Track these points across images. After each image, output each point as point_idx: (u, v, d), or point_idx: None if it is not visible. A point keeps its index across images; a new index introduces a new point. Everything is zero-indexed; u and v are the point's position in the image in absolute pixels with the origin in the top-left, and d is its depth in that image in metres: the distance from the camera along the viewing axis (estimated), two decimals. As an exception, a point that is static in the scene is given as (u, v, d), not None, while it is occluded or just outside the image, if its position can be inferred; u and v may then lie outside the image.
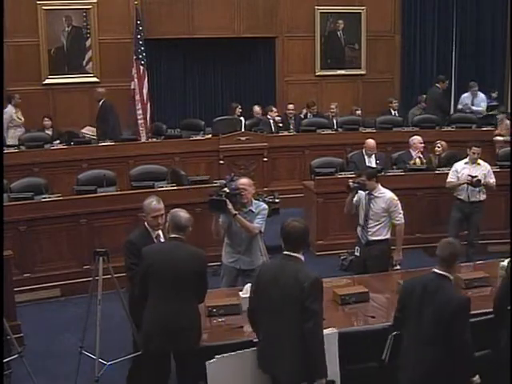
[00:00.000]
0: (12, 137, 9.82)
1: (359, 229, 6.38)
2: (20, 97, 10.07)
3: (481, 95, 11.54)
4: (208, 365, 4.02)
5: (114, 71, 11.02)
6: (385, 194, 6.25)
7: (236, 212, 5.54)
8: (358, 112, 11.41)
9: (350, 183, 6.40)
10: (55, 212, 7.05)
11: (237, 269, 5.73)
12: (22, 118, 10.13)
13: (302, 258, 4.00)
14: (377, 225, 6.24)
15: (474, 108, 11.40)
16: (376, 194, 6.25)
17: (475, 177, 7.29)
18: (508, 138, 9.38)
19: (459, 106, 11.58)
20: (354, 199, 6.41)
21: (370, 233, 6.25)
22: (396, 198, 6.25)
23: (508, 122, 9.78)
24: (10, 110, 9.97)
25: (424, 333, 3.95)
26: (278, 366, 3.92)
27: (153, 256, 4.34)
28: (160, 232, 4.87)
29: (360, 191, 6.33)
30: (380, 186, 6.31)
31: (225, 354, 4.06)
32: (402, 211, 6.25)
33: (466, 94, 11.62)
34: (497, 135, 9.63)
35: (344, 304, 5.07)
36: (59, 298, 6.95)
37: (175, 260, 4.28)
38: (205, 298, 4.52)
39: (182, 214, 4.45)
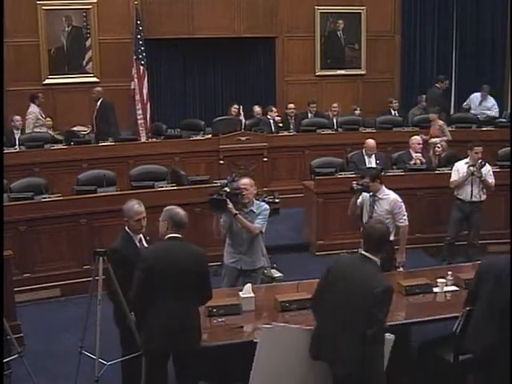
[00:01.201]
0: None
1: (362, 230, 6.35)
2: (42, 96, 10.15)
3: (491, 99, 11.46)
4: (263, 329, 4.09)
5: (113, 71, 11.02)
6: (389, 196, 6.23)
7: (237, 212, 5.54)
8: (357, 112, 11.41)
9: (354, 185, 6.39)
10: (55, 212, 7.05)
11: (238, 269, 5.73)
12: (45, 117, 10.19)
13: (378, 261, 4.02)
14: None
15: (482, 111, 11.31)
16: (380, 196, 6.24)
17: (474, 165, 7.26)
18: (445, 138, 9.30)
19: (465, 106, 11.49)
20: (358, 201, 6.40)
21: None
22: (400, 199, 6.24)
23: (441, 122, 9.61)
24: (35, 110, 10.02)
25: (496, 309, 4.12)
26: (334, 354, 3.96)
27: (154, 257, 4.31)
28: (141, 236, 4.81)
29: (364, 193, 6.32)
30: (384, 187, 6.30)
31: (281, 324, 4.17)
32: (405, 213, 6.23)
33: (475, 94, 11.56)
34: (431, 137, 9.38)
35: (344, 304, 5.06)
36: (59, 297, 6.95)
37: (177, 260, 4.26)
38: (210, 299, 4.50)
39: (179, 210, 4.42)
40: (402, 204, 6.23)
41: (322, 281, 4.17)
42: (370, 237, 4.03)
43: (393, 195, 6.25)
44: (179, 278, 4.23)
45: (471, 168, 7.28)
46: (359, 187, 6.32)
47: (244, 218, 5.59)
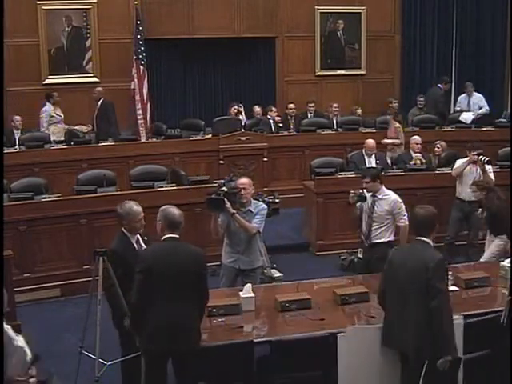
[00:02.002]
0: (54, 133, 9.94)
1: (362, 231, 6.36)
2: (58, 95, 10.15)
3: (477, 95, 11.38)
4: (339, 337, 4.24)
5: (113, 71, 11.01)
6: (389, 196, 6.23)
7: (234, 211, 5.54)
8: (359, 111, 11.40)
9: (350, 197, 6.39)
10: (55, 212, 7.06)
11: (236, 269, 5.73)
12: (62, 115, 10.17)
13: (431, 241, 4.30)
14: (380, 227, 6.22)
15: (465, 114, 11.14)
16: (380, 196, 6.23)
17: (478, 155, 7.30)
18: (398, 141, 9.25)
19: (457, 108, 11.51)
20: (358, 204, 6.40)
21: (373, 235, 6.23)
22: (400, 200, 6.23)
23: (397, 124, 9.49)
24: (48, 108, 10.05)
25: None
26: (405, 342, 4.12)
27: (152, 258, 4.29)
28: (138, 236, 4.80)
29: (366, 192, 6.30)
30: (384, 187, 6.30)
31: (354, 327, 4.37)
32: (406, 213, 6.20)
33: (462, 95, 11.57)
34: (385, 138, 9.39)
35: (344, 304, 5.07)
36: (59, 297, 6.96)
37: (175, 261, 4.24)
38: (208, 301, 4.49)
39: (174, 210, 4.40)
40: (402, 204, 6.23)
41: (383, 275, 4.40)
42: (415, 222, 4.36)
43: (393, 195, 6.25)
44: (178, 279, 4.22)
45: (475, 157, 7.27)
46: (356, 198, 6.32)
47: (242, 217, 5.60)
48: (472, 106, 11.28)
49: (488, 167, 7.44)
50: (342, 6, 12.09)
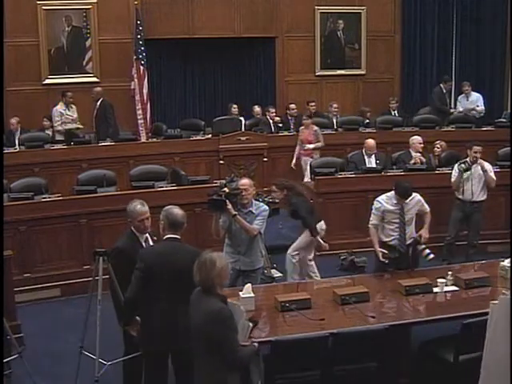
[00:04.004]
0: (61, 133, 9.99)
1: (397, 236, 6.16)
2: (71, 95, 10.14)
3: (474, 95, 11.28)
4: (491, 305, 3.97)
5: (113, 71, 11.01)
6: (413, 197, 6.13)
7: (235, 212, 5.54)
8: (368, 114, 11.33)
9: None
10: (55, 212, 7.05)
11: (237, 269, 5.72)
12: (75, 115, 10.16)
13: None
14: (410, 226, 6.16)
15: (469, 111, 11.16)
16: (406, 201, 6.08)
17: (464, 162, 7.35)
18: (319, 145, 9.26)
19: (460, 109, 11.46)
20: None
21: (407, 237, 6.13)
22: (418, 195, 6.24)
23: (316, 127, 9.44)
24: (59, 108, 10.05)
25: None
26: None
27: (151, 258, 4.29)
28: (148, 235, 4.80)
29: (385, 204, 6.14)
30: None
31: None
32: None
33: (461, 95, 11.50)
34: (303, 142, 9.31)
35: (344, 304, 5.07)
36: (59, 297, 6.95)
37: (175, 262, 4.24)
38: None
39: (177, 210, 4.40)
40: (422, 197, 6.24)
41: None
42: None
43: (416, 196, 6.18)
44: (177, 279, 4.21)
45: (462, 165, 7.29)
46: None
47: (243, 218, 5.59)
48: (469, 105, 11.21)
49: (489, 168, 7.45)
50: (341, 6, 12.09)
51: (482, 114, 11.13)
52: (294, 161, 9.48)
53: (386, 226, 6.10)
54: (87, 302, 4.83)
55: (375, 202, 6.17)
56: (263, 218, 5.69)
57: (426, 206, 6.25)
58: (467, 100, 11.27)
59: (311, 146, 9.31)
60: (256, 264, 5.81)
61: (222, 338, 3.65)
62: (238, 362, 3.75)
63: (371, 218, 6.16)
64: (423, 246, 6.11)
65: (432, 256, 6.09)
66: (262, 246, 6.13)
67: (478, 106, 11.18)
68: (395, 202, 6.06)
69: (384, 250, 5.98)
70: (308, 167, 9.06)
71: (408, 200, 6.07)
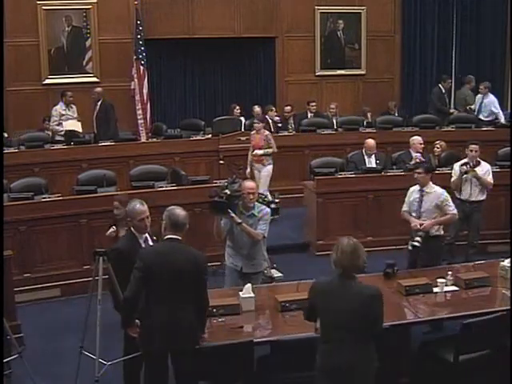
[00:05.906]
0: (59, 133, 9.91)
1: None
2: (72, 95, 10.06)
3: (491, 98, 11.06)
4: None
5: (113, 71, 11.01)
6: (436, 190, 6.28)
7: (240, 221, 5.49)
8: (369, 114, 11.34)
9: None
10: (55, 212, 7.06)
11: (239, 271, 5.71)
12: (75, 114, 10.12)
13: None
14: (425, 220, 6.22)
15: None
16: (427, 190, 6.28)
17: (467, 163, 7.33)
18: (270, 151, 8.85)
19: (474, 106, 11.18)
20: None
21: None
22: (446, 192, 6.31)
23: (267, 132, 9.01)
24: (59, 107, 10.01)
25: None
26: None
27: (150, 258, 4.28)
28: (147, 235, 4.80)
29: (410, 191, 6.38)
30: (431, 182, 6.36)
31: None
32: (453, 204, 6.30)
33: (479, 95, 11.21)
34: (254, 148, 8.91)
35: (344, 304, 5.06)
36: (59, 297, 6.96)
37: (174, 262, 4.22)
38: (208, 305, 4.46)
39: (179, 211, 4.37)
40: (449, 196, 6.32)
41: None
42: None
43: (439, 189, 6.30)
44: (177, 279, 4.20)
45: (464, 167, 7.30)
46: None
47: (245, 221, 5.55)
48: (483, 108, 11.06)
49: (487, 168, 7.44)
50: (341, 6, 12.09)
51: (502, 119, 10.74)
52: (248, 169, 9.00)
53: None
54: (87, 301, 4.82)
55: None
56: (266, 221, 5.65)
57: (451, 207, 6.27)
58: (482, 102, 11.06)
59: (260, 151, 8.87)
60: (258, 267, 5.79)
61: (379, 315, 3.95)
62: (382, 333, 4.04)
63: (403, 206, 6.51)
64: (420, 234, 6.16)
65: (413, 244, 6.15)
66: (265, 248, 6.10)
67: (495, 109, 10.97)
68: (418, 189, 6.31)
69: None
70: (263, 176, 8.82)
71: (428, 189, 6.27)
